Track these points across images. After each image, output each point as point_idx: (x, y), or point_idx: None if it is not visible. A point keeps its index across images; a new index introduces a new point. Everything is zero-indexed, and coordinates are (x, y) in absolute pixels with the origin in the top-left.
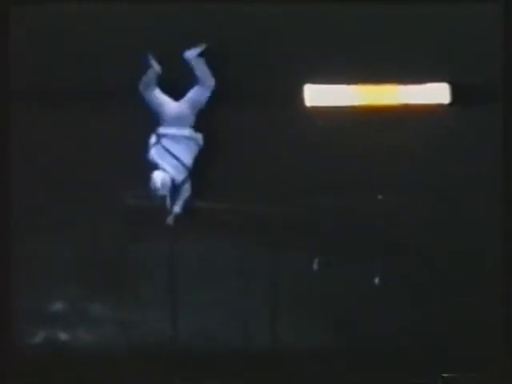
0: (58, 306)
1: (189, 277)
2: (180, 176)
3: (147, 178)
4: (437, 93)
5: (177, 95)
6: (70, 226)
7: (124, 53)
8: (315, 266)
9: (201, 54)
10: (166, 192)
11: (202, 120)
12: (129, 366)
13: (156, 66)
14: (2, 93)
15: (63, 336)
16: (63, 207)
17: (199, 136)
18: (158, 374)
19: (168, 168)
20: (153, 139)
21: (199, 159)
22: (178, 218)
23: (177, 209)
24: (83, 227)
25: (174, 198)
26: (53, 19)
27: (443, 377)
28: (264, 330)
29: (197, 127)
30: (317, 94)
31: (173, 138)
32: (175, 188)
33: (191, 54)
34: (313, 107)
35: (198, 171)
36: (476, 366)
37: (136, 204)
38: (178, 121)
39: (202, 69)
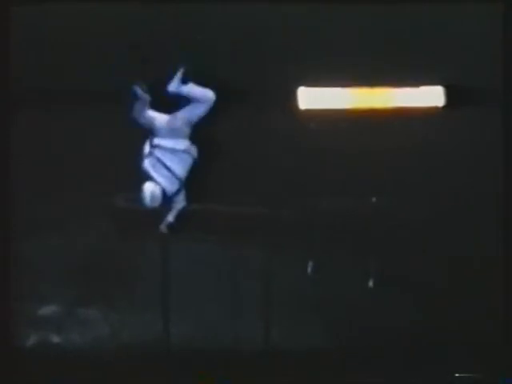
0: (53, 308)
1: (182, 279)
2: (172, 187)
3: (142, 181)
4: (431, 95)
5: (174, 103)
6: (66, 229)
7: (124, 54)
8: (309, 270)
9: (185, 80)
10: (155, 204)
11: (196, 124)
12: (126, 368)
13: (145, 96)
14: (2, 93)
15: (60, 338)
16: (60, 210)
17: (194, 149)
18: (153, 376)
19: (160, 179)
20: (147, 149)
21: (194, 165)
22: (171, 226)
23: (170, 218)
24: (82, 230)
25: (167, 208)
26: (53, 19)
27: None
28: (259, 331)
29: (191, 133)
30: (311, 97)
31: (166, 149)
32: (168, 199)
33: (174, 85)
34: (307, 110)
35: (191, 175)
36: (476, 366)
37: (130, 207)
38: (171, 133)
39: (195, 91)
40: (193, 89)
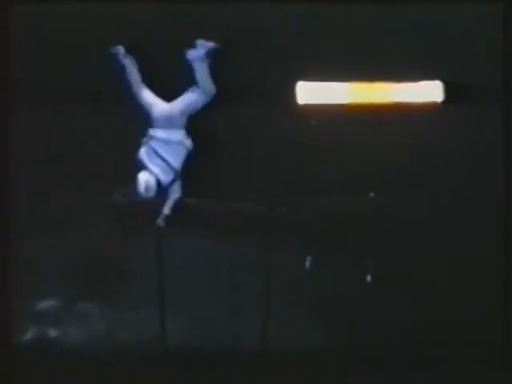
0: (53, 308)
1: (181, 277)
2: (167, 178)
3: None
4: (430, 91)
5: (173, 96)
6: (66, 229)
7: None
8: (307, 265)
9: (206, 56)
10: (150, 194)
11: (193, 119)
12: (125, 367)
13: (127, 59)
14: (2, 93)
15: (60, 337)
16: (60, 210)
17: (189, 141)
18: (152, 375)
19: (155, 169)
20: (143, 139)
21: (190, 158)
22: (168, 218)
23: (166, 210)
24: (82, 229)
25: (163, 200)
26: (53, 19)
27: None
28: (258, 330)
29: (188, 127)
30: (309, 92)
31: (161, 140)
32: (163, 190)
33: (194, 54)
34: (305, 105)
35: (188, 170)
36: (476, 366)
37: (128, 203)
38: (168, 123)
39: (202, 73)
40: (203, 71)
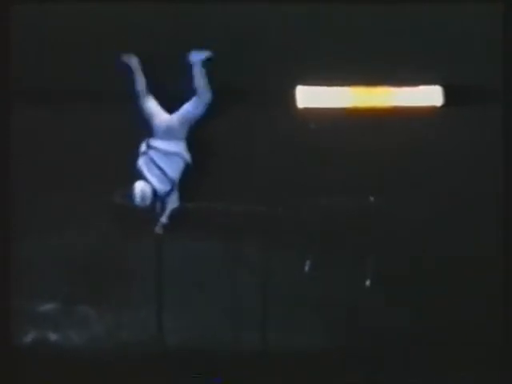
0: (53, 308)
1: (181, 279)
2: (163, 188)
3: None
4: (429, 95)
5: (173, 102)
6: (66, 229)
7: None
8: (306, 268)
9: (205, 63)
10: (145, 203)
11: (194, 125)
12: (125, 368)
13: (136, 64)
14: (2, 93)
15: (60, 338)
16: (60, 210)
17: (188, 153)
18: (153, 375)
19: (152, 179)
20: (143, 148)
21: (188, 170)
22: (166, 227)
23: (164, 219)
24: (82, 230)
25: (160, 209)
26: (53, 19)
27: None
28: (257, 330)
29: (188, 136)
30: (309, 96)
31: (160, 150)
32: (160, 199)
33: (196, 57)
34: (305, 109)
35: (189, 171)
36: (476, 366)
37: (128, 205)
38: (167, 134)
39: (200, 79)
40: (201, 76)
